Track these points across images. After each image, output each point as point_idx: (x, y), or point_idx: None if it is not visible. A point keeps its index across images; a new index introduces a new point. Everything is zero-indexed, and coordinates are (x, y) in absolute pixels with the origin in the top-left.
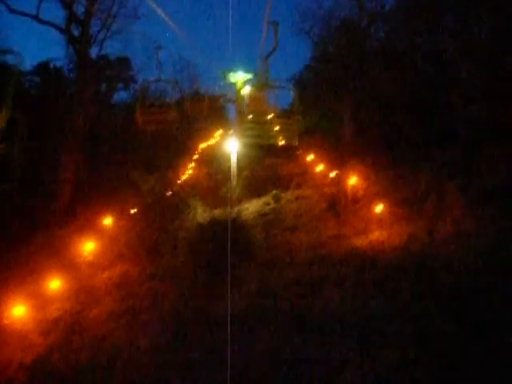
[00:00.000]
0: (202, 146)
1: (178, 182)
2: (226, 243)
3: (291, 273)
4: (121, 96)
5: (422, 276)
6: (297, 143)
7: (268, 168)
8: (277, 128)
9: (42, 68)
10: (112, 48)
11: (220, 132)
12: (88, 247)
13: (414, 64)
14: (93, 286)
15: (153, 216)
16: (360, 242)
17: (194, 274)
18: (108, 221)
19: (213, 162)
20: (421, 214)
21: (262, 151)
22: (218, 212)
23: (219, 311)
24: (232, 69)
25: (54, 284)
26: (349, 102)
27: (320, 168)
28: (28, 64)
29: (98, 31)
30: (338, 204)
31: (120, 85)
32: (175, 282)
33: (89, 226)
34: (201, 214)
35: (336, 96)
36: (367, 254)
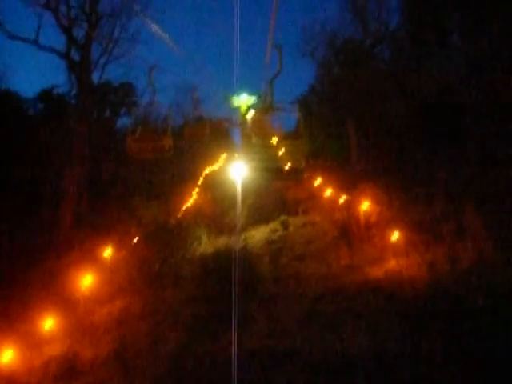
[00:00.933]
0: (207, 170)
1: (182, 209)
2: (230, 277)
3: (302, 309)
4: (123, 121)
5: (449, 315)
6: (303, 165)
7: (274, 193)
8: (282, 151)
9: (45, 95)
10: (114, 73)
11: (224, 156)
12: (87, 280)
13: (419, 84)
14: (91, 323)
15: (154, 246)
16: (375, 272)
17: (198, 311)
18: (108, 252)
19: (217, 187)
20: (439, 239)
21: (267, 175)
22: (222, 241)
23: (225, 355)
24: (236, 92)
25: (49, 322)
26: (353, 124)
27: (328, 192)
28: (31, 91)
29: (100, 56)
30: (349, 231)
31: (124, 110)
32: (178, 319)
33: (88, 258)
34: (205, 243)
35: (340, 117)
36: (384, 287)
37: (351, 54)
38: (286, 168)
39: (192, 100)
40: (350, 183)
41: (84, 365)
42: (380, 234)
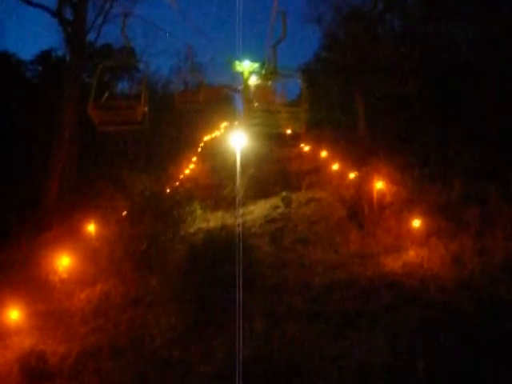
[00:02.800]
0: (205, 139)
1: (176, 181)
2: (224, 263)
3: (305, 306)
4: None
5: (484, 322)
6: (304, 131)
7: (276, 163)
8: (284, 117)
9: (43, 57)
10: (112, 35)
11: (225, 124)
12: (66, 260)
13: (431, 52)
14: (67, 310)
15: (143, 223)
16: (391, 263)
17: (186, 305)
18: (91, 228)
19: (216, 156)
20: (463, 226)
21: (269, 144)
22: (219, 217)
23: (214, 368)
24: (239, 57)
25: (18, 309)
26: (362, 93)
27: (333, 166)
28: (29, 53)
29: (96, 16)
30: (359, 211)
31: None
32: (162, 313)
33: (70, 235)
34: (200, 219)
35: (348, 86)
36: (403, 283)
37: (360, 20)
38: (288, 134)
39: (188, 58)
40: (358, 157)
41: (52, 365)
42: (395, 217)
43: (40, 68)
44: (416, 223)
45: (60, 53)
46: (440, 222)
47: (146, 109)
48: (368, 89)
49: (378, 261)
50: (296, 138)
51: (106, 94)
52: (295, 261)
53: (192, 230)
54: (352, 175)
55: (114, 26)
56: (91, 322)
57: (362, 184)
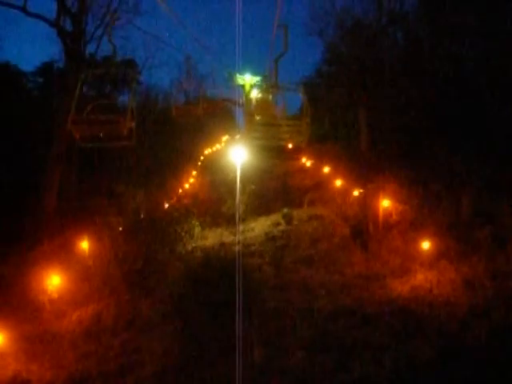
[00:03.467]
0: (205, 153)
1: (174, 196)
2: (222, 286)
3: (308, 334)
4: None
5: (497, 355)
6: (305, 145)
7: (277, 178)
8: (286, 129)
9: (45, 68)
10: (109, 46)
11: (226, 137)
12: (57, 278)
13: (437, 67)
14: (56, 332)
15: (138, 239)
16: (399, 287)
17: (179, 332)
18: (85, 244)
19: (216, 171)
20: (473, 247)
21: (270, 158)
22: (217, 235)
23: None
24: (240, 71)
25: (4, 331)
26: (364, 108)
27: (335, 182)
28: (31, 64)
29: (96, 28)
30: (364, 230)
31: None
32: (154, 338)
33: (63, 251)
34: (198, 237)
35: (350, 101)
36: (411, 310)
37: (364, 33)
38: (289, 147)
39: (187, 71)
40: (361, 173)
41: None
42: (402, 237)
43: (41, 80)
44: (424, 244)
45: (61, 64)
46: (449, 243)
47: (133, 123)
48: (371, 103)
49: (384, 284)
50: (297, 152)
51: (89, 107)
52: (297, 283)
53: (190, 247)
54: (356, 192)
55: (115, 38)
56: (81, 346)
57: (367, 202)
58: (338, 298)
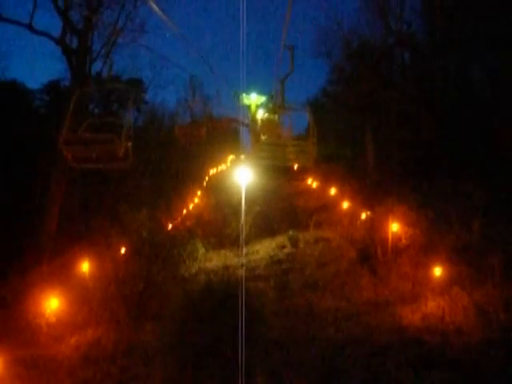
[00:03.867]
0: (210, 174)
1: (177, 218)
2: (225, 313)
3: (314, 363)
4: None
5: None
6: (311, 165)
7: (283, 200)
8: (291, 151)
9: (51, 87)
10: (118, 65)
11: (231, 158)
12: (55, 302)
13: (445, 86)
14: (54, 358)
15: (140, 262)
16: (409, 315)
17: (179, 363)
18: (85, 267)
19: (220, 192)
20: (486, 273)
21: (276, 179)
22: (221, 258)
23: None
24: (246, 91)
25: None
26: (371, 130)
27: (342, 203)
28: (38, 82)
29: (102, 46)
30: (372, 255)
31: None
32: (157, 365)
33: (62, 272)
34: (201, 260)
35: (356, 123)
36: (423, 340)
37: (371, 54)
38: (295, 167)
39: (192, 90)
40: (368, 195)
41: None
42: (411, 262)
43: (48, 97)
44: (435, 269)
45: (68, 82)
46: (460, 268)
47: (130, 143)
48: (377, 125)
49: (394, 311)
50: (303, 173)
51: (84, 125)
52: (303, 309)
53: (193, 270)
54: (363, 215)
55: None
56: (79, 373)
57: (375, 225)
58: (346, 325)
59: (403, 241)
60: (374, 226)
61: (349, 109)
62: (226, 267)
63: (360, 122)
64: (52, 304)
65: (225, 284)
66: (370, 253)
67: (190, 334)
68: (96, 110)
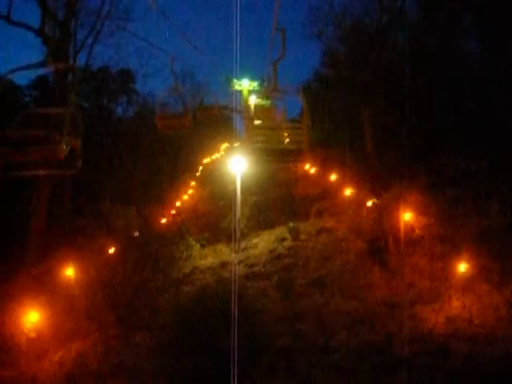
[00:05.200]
0: (203, 164)
1: (173, 210)
2: (222, 322)
3: (327, 378)
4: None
5: None
6: (306, 148)
7: (280, 188)
8: (286, 133)
9: (40, 82)
10: (101, 56)
11: (226, 145)
12: (35, 316)
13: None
14: (34, 376)
15: (129, 265)
16: (431, 317)
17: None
18: (69, 272)
19: (215, 182)
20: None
21: (271, 166)
22: (217, 255)
23: None
24: (238, 76)
25: None
26: (368, 111)
27: (343, 190)
28: (27, 78)
29: (87, 36)
30: (383, 247)
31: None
32: None
33: (46, 279)
34: (195, 258)
35: (352, 102)
36: (451, 349)
37: (364, 33)
38: (290, 149)
39: (172, 72)
40: (370, 180)
41: None
42: (427, 254)
43: (36, 93)
44: (455, 263)
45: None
46: (484, 260)
47: (79, 142)
48: (375, 105)
49: (413, 313)
50: (299, 157)
51: (19, 118)
52: (310, 311)
53: (187, 269)
54: (369, 203)
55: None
56: None
57: (384, 213)
58: (360, 330)
59: (416, 231)
60: (383, 215)
61: (343, 92)
62: (223, 265)
63: (355, 101)
64: (32, 317)
65: (223, 284)
66: (379, 245)
67: (183, 348)
68: (86, 105)
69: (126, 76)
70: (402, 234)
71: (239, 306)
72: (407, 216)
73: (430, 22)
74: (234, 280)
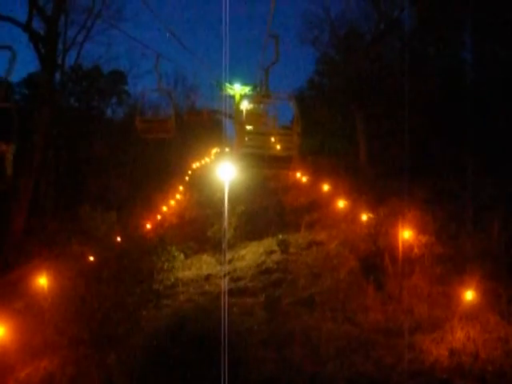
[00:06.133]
0: (195, 165)
1: (151, 222)
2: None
3: None
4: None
5: None
6: (297, 154)
7: (270, 196)
8: (277, 139)
9: (31, 79)
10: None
11: (216, 150)
12: (1, 329)
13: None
14: None
15: (107, 276)
16: (433, 349)
17: None
18: (43, 280)
19: (205, 186)
20: None
21: (261, 174)
22: (201, 267)
23: None
24: (228, 80)
25: None
26: (363, 120)
27: (336, 201)
28: (17, 75)
29: (77, 33)
30: (378, 266)
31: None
32: None
33: (17, 288)
34: (180, 266)
35: (345, 112)
36: None
37: (359, 40)
38: (280, 155)
39: (156, 70)
40: (364, 192)
41: None
42: (427, 276)
43: (27, 91)
44: (458, 287)
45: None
46: (487, 283)
47: (11, 146)
48: (369, 114)
49: (412, 342)
50: (288, 162)
51: None
52: (298, 334)
53: (169, 281)
54: (364, 217)
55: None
56: None
57: (380, 230)
58: (354, 361)
59: (415, 250)
60: (378, 231)
61: (337, 96)
62: (207, 277)
63: (350, 110)
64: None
65: (201, 312)
66: (375, 263)
67: (162, 371)
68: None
69: (118, 77)
70: (400, 253)
71: (222, 328)
72: (406, 233)
73: (427, 30)
74: (223, 307)
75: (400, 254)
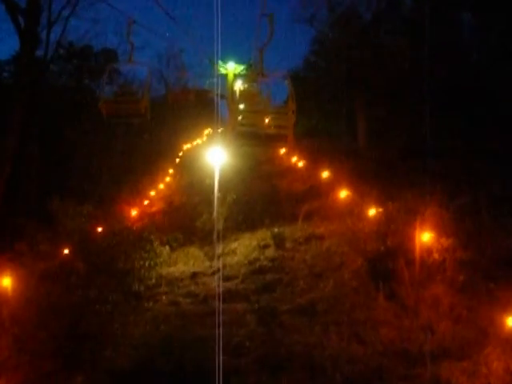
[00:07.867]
0: (186, 146)
1: (132, 215)
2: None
3: None
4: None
5: None
6: (291, 133)
7: (264, 182)
8: (271, 117)
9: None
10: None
11: (208, 130)
12: None
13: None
14: None
15: (78, 278)
16: (464, 383)
17: None
18: (7, 282)
19: (195, 171)
20: None
21: (254, 155)
22: (188, 262)
23: None
24: (222, 59)
25: None
26: (362, 100)
27: (334, 187)
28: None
29: (62, 8)
30: (390, 271)
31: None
32: None
33: None
34: (165, 261)
35: (344, 93)
36: None
37: (358, 19)
38: (274, 133)
39: (127, 35)
40: (367, 180)
41: None
42: (451, 286)
43: (13, 68)
44: (488, 301)
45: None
46: None
47: None
48: (368, 95)
49: (437, 373)
50: (282, 140)
51: None
52: (297, 355)
53: (151, 280)
54: (372, 211)
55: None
56: None
57: (391, 228)
58: None
59: (435, 255)
60: (389, 229)
61: (334, 78)
62: (194, 275)
63: (348, 94)
64: None
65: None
66: (386, 267)
67: None
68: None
69: (110, 55)
70: (416, 256)
71: (210, 345)
72: (425, 236)
73: (429, 10)
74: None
75: (417, 258)
